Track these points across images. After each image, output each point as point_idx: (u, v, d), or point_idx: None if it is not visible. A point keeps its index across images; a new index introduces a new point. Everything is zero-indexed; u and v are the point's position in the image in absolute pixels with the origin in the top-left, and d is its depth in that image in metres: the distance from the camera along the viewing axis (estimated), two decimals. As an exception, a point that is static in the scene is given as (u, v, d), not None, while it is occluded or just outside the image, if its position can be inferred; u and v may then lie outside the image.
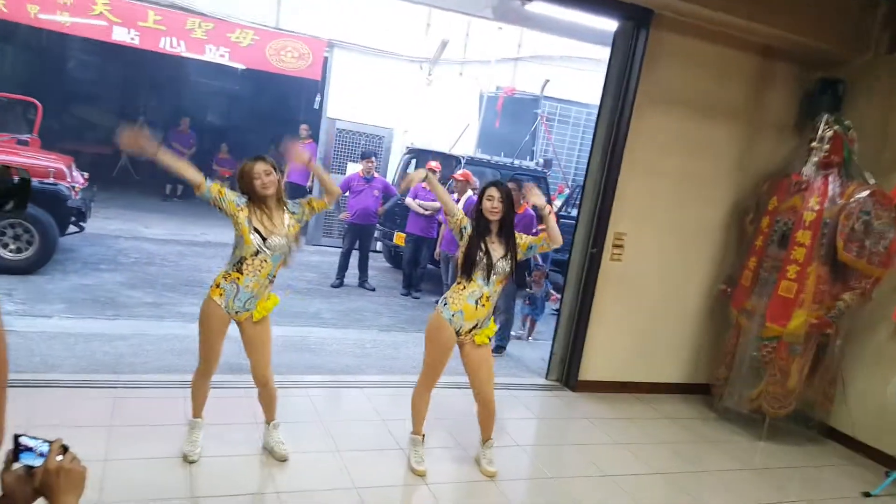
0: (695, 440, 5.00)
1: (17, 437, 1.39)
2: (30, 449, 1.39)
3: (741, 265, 5.47)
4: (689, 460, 4.60)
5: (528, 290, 7.39)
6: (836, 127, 4.99)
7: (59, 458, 1.39)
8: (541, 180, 9.91)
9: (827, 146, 4.98)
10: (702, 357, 5.96)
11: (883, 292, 4.94)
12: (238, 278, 3.35)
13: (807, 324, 4.88)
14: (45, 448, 1.39)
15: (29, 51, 13.16)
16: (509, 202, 3.63)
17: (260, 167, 3.31)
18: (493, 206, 3.59)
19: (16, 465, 1.41)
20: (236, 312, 3.41)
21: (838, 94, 5.31)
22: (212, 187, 3.30)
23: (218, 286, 3.38)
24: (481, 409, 3.87)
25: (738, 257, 5.65)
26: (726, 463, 4.66)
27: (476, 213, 3.67)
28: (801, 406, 5.14)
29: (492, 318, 3.80)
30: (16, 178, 1.14)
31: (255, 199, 3.34)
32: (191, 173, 3.29)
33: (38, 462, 1.38)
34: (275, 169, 3.37)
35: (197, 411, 3.58)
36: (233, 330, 3.53)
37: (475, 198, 6.49)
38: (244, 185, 3.34)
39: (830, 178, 4.94)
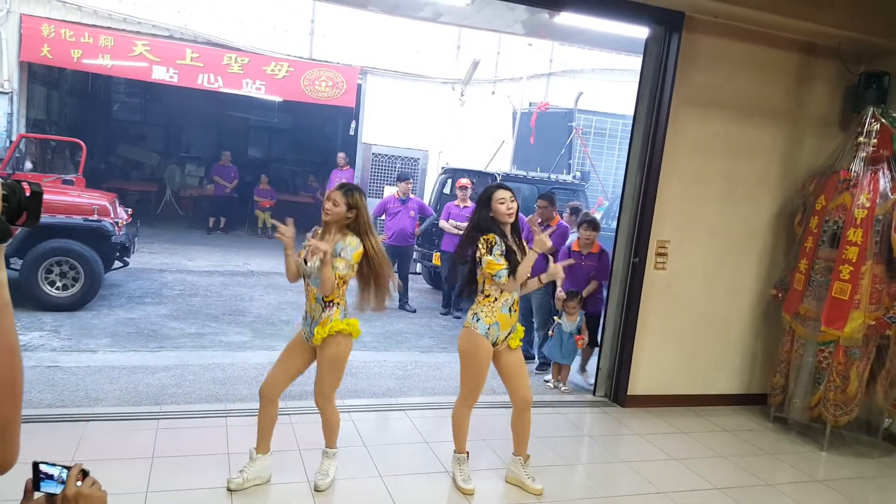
0: (754, 452, 4.77)
1: (36, 464, 1.37)
2: (50, 476, 1.37)
3: (792, 268, 5.26)
4: (749, 474, 4.39)
5: (556, 318, 5.82)
6: (883, 120, 4.82)
7: (79, 483, 1.36)
8: (578, 193, 9.78)
9: (874, 140, 4.81)
10: (756, 366, 5.73)
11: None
12: (306, 303, 3.51)
13: (864, 326, 4.65)
14: (64, 475, 1.36)
15: (75, 94, 13.68)
16: (516, 199, 3.62)
17: (332, 193, 3.44)
18: (507, 207, 3.53)
19: (37, 495, 1.38)
20: (308, 338, 3.48)
21: (883, 86, 5.12)
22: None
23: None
24: (519, 415, 3.77)
25: (788, 260, 5.45)
26: (789, 475, 4.44)
27: (485, 219, 3.55)
28: (864, 413, 4.88)
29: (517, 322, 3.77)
30: (28, 193, 1.15)
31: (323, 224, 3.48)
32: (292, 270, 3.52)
33: (58, 489, 1.36)
34: (349, 207, 3.38)
35: (258, 445, 3.52)
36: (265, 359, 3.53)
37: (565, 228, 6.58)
38: None
39: (880, 173, 4.74)
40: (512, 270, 3.49)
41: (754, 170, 5.44)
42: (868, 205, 4.67)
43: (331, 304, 3.41)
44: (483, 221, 3.56)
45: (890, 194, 4.65)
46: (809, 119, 5.50)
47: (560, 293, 5.82)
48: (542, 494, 3.75)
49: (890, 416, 4.87)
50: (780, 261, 5.59)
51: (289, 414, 4.38)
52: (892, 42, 5.13)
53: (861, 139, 4.86)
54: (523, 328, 3.85)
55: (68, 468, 1.38)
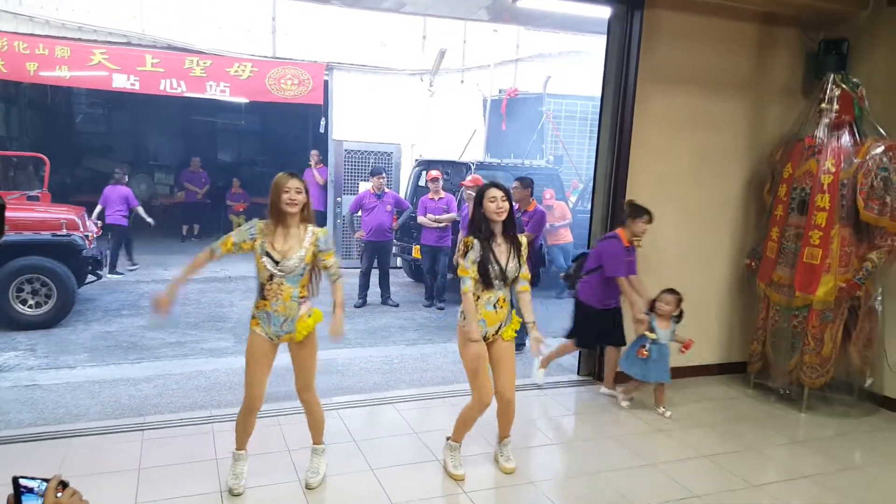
0: (736, 419, 4.86)
1: (15, 479, 1.36)
2: (30, 490, 1.36)
3: (764, 237, 5.35)
4: (732, 440, 4.47)
5: (648, 333, 4.74)
6: (843, 86, 4.89)
7: (59, 494, 1.35)
8: (553, 177, 9.81)
9: (836, 106, 4.88)
10: (734, 335, 5.82)
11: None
12: (265, 305, 3.34)
13: (836, 289, 4.75)
14: (43, 487, 1.35)
15: (36, 109, 13.41)
16: (510, 200, 3.60)
17: (293, 183, 3.30)
18: (497, 206, 3.53)
19: None
20: (278, 336, 3.39)
21: (843, 52, 5.21)
22: (221, 246, 3.31)
23: (254, 317, 3.40)
24: (501, 407, 3.81)
25: (760, 230, 5.53)
26: (771, 438, 4.53)
27: (478, 218, 3.58)
28: (840, 373, 4.99)
29: (513, 311, 3.76)
30: None
31: (276, 217, 3.30)
32: (201, 259, 3.34)
33: (39, 502, 1.35)
34: (306, 191, 3.35)
35: (240, 444, 3.52)
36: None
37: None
38: (273, 197, 3.31)
39: (844, 138, 4.82)
40: (484, 279, 3.52)
41: (722, 142, 5.51)
42: (833, 170, 4.75)
43: (304, 298, 3.40)
44: (476, 219, 3.60)
45: (854, 158, 4.73)
46: (773, 88, 5.57)
47: (641, 316, 4.79)
48: (514, 473, 3.82)
49: (861, 373, 4.97)
50: (752, 230, 5.67)
51: (275, 415, 4.36)
52: (849, 8, 5.20)
53: (823, 105, 4.93)
54: (519, 319, 3.81)
55: (47, 481, 1.37)
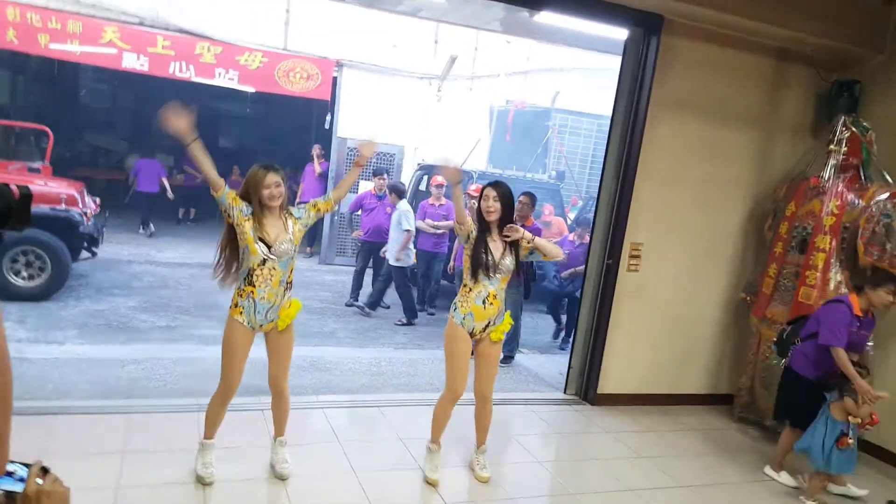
0: (718, 451, 4.86)
1: None
2: (10, 474, 1.34)
3: (761, 272, 5.37)
4: (713, 472, 4.48)
5: (851, 418, 3.93)
6: (853, 128, 4.91)
7: (40, 481, 1.33)
8: (553, 193, 9.84)
9: (845, 148, 4.91)
10: (723, 367, 5.83)
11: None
12: (252, 291, 3.31)
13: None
14: (24, 472, 1.33)
15: (41, 80, 13.32)
16: (506, 201, 3.64)
17: (272, 178, 3.30)
18: (488, 205, 3.62)
19: None
20: (260, 325, 3.38)
21: (854, 95, 5.23)
22: (228, 193, 3.30)
23: (236, 305, 3.36)
24: (478, 406, 3.87)
25: (757, 264, 5.55)
26: (751, 474, 4.53)
27: (478, 214, 3.70)
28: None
29: (507, 313, 3.82)
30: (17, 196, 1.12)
31: (257, 208, 3.32)
32: (213, 174, 3.31)
33: (18, 487, 1.32)
34: (283, 182, 3.37)
35: (210, 433, 3.52)
36: (252, 351, 3.48)
37: None
38: (251, 191, 3.31)
39: (849, 181, 4.85)
40: (473, 267, 3.59)
41: (728, 174, 5.52)
42: (837, 212, 4.78)
43: (290, 284, 3.44)
44: (477, 214, 3.71)
45: (858, 202, 4.76)
46: (783, 125, 5.59)
47: (881, 393, 3.89)
48: (488, 482, 3.85)
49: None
50: (749, 264, 5.69)
51: (262, 409, 4.34)
52: (864, 50, 5.25)
53: (832, 147, 4.95)
54: (511, 321, 3.88)
55: (28, 465, 1.35)
